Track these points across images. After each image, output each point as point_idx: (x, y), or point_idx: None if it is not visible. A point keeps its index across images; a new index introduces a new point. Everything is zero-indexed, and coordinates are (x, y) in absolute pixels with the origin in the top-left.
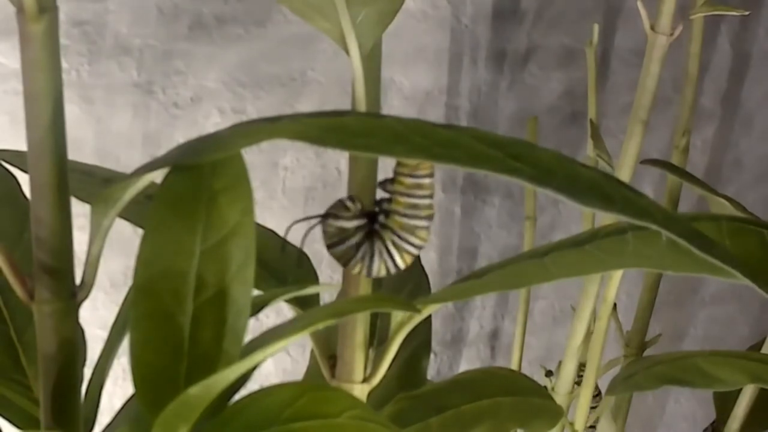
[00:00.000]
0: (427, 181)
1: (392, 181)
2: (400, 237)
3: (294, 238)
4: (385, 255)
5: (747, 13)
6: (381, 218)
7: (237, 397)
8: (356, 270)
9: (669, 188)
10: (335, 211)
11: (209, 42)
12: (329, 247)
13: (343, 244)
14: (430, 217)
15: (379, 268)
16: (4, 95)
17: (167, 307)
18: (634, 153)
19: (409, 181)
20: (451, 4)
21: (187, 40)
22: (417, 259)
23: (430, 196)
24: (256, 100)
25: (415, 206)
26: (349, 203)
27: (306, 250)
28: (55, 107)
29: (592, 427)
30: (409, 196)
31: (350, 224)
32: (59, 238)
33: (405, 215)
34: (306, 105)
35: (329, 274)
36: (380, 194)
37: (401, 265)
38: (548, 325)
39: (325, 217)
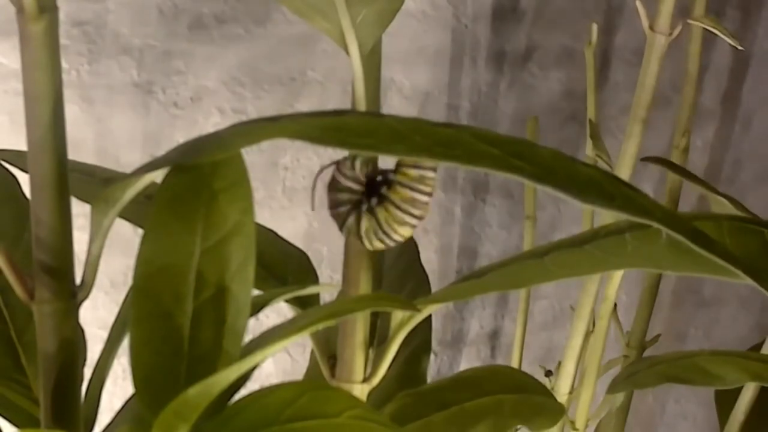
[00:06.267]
0: (430, 174)
1: (395, 171)
2: (382, 229)
3: (294, 238)
4: (383, 226)
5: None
6: (374, 201)
7: (237, 397)
8: (345, 233)
9: (669, 188)
10: (341, 165)
11: (209, 42)
12: (330, 207)
13: (336, 208)
14: (421, 217)
15: (370, 240)
16: (4, 95)
17: (167, 307)
18: (633, 153)
19: (413, 172)
20: (451, 4)
21: (187, 40)
22: (417, 258)
23: (430, 194)
24: (256, 100)
25: (412, 201)
26: (357, 163)
27: (306, 250)
28: (55, 107)
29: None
30: (411, 189)
31: (345, 183)
32: (59, 238)
33: (399, 207)
34: (306, 105)
35: (329, 274)
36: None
37: (401, 236)
38: (548, 325)
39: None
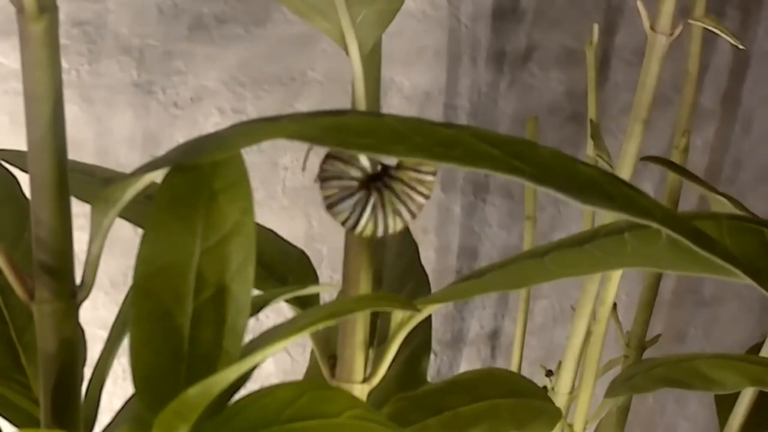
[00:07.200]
0: (429, 178)
1: (396, 168)
2: (400, 200)
3: (294, 238)
4: (379, 212)
5: (741, 48)
6: (385, 179)
7: (237, 397)
8: (339, 219)
9: (669, 188)
10: (343, 153)
11: (209, 42)
12: (322, 180)
13: (337, 180)
14: (428, 196)
15: (365, 226)
16: (4, 95)
17: (167, 307)
18: (634, 153)
19: (411, 174)
20: (451, 4)
21: (187, 40)
22: (417, 258)
23: (428, 197)
24: (256, 100)
25: (418, 180)
26: (360, 156)
27: (306, 250)
28: (55, 107)
29: None
30: (415, 170)
31: (351, 170)
32: (59, 238)
33: (407, 185)
34: (306, 105)
35: (329, 274)
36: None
37: (392, 228)
38: (548, 325)
39: (329, 156)
